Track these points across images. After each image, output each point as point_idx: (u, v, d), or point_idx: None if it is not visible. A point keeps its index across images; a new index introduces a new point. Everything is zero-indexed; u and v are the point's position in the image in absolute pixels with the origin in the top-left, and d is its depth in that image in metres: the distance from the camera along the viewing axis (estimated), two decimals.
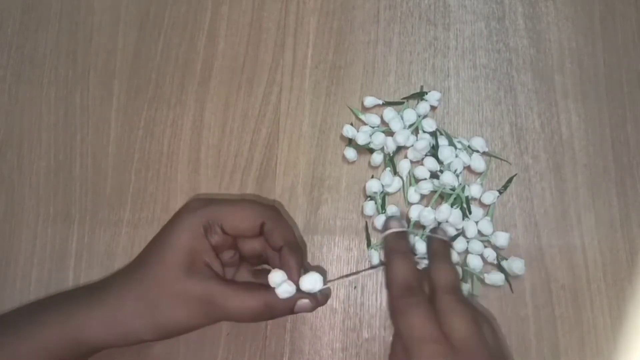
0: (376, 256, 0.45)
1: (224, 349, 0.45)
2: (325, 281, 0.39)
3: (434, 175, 0.46)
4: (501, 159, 0.47)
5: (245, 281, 0.41)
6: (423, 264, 0.44)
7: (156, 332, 0.37)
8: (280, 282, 0.37)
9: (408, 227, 0.45)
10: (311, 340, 0.45)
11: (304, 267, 0.43)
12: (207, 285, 0.37)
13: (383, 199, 0.46)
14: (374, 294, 0.45)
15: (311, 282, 0.38)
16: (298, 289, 0.38)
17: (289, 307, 0.38)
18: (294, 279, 0.38)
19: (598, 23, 0.50)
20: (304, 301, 0.38)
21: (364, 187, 0.47)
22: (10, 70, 0.51)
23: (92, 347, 0.38)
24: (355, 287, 0.45)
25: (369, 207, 0.46)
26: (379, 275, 0.46)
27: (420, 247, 0.44)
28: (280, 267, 0.38)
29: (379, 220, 0.45)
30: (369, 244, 0.46)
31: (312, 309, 0.38)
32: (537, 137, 0.48)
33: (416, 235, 0.45)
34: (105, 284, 0.40)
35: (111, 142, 0.49)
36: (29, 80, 0.51)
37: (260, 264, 0.43)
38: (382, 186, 0.46)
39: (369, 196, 0.47)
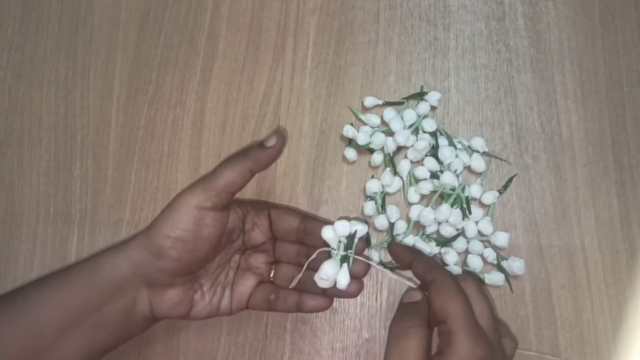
0: (376, 256, 0.45)
1: (224, 348, 0.45)
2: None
3: (434, 175, 0.46)
4: (501, 159, 0.47)
5: None
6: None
7: (161, 231, 0.38)
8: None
9: (408, 227, 0.45)
10: (311, 340, 0.45)
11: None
12: None
13: (383, 199, 0.46)
14: (374, 294, 0.45)
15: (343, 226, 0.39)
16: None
17: (259, 143, 0.40)
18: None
19: (598, 23, 0.50)
20: (272, 136, 0.40)
21: (364, 187, 0.47)
22: (10, 70, 0.51)
23: (104, 279, 0.38)
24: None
25: (369, 207, 0.46)
26: (379, 275, 0.46)
27: (421, 247, 0.44)
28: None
29: (379, 221, 0.45)
30: (369, 244, 0.46)
31: (280, 145, 0.40)
32: (537, 137, 0.48)
33: (416, 235, 0.45)
34: None
35: (111, 142, 0.49)
36: (29, 80, 0.51)
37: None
38: (382, 186, 0.46)
39: (369, 196, 0.47)
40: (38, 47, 0.52)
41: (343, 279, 0.38)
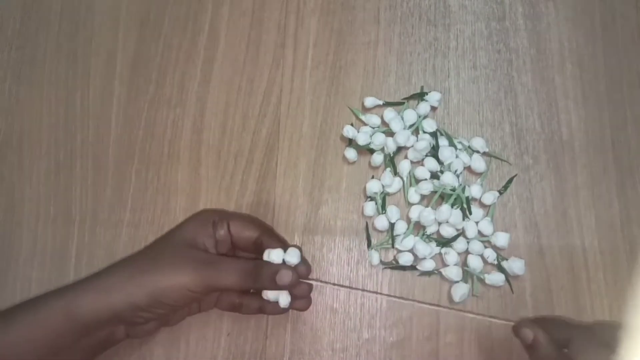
0: (376, 256, 0.45)
1: (224, 349, 0.45)
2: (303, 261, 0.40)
3: (434, 175, 0.46)
4: (501, 160, 0.47)
5: None
6: (424, 266, 0.44)
7: (150, 296, 0.37)
8: (269, 253, 0.40)
9: (408, 228, 0.45)
10: (311, 341, 0.45)
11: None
12: (204, 254, 0.40)
13: (383, 200, 0.46)
14: (374, 295, 0.45)
15: (290, 254, 0.40)
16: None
17: (272, 272, 0.39)
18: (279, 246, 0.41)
19: (598, 23, 0.50)
20: (286, 271, 0.39)
21: (364, 188, 0.47)
22: (10, 70, 0.51)
23: (83, 321, 0.37)
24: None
25: (369, 208, 0.46)
26: (379, 275, 0.46)
27: (421, 247, 0.44)
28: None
29: (380, 221, 0.45)
30: (369, 245, 0.46)
31: (293, 282, 0.39)
32: (538, 137, 0.48)
33: (416, 235, 0.45)
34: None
35: (111, 143, 0.49)
36: (29, 80, 0.51)
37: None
38: (383, 187, 0.46)
39: (369, 197, 0.47)
40: (38, 47, 0.52)
41: (282, 300, 0.40)
